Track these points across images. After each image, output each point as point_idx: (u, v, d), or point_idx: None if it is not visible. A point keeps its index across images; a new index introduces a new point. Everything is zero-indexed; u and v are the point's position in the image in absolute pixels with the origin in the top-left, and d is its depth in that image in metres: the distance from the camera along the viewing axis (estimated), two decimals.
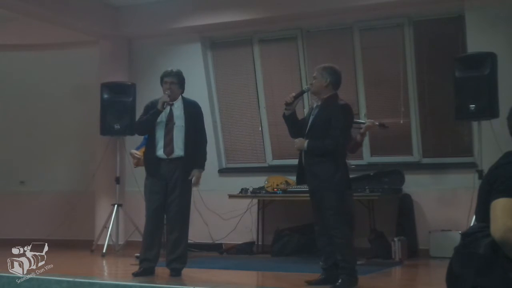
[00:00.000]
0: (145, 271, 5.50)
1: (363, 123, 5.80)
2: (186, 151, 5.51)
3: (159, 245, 5.64)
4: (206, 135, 5.83)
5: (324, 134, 4.92)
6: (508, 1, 6.93)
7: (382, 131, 6.49)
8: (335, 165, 4.91)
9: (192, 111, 5.67)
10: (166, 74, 5.66)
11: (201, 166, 5.64)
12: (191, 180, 5.57)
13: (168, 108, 5.59)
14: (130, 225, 7.87)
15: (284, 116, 5.18)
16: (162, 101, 5.49)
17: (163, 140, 5.53)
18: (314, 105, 5.16)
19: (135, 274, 5.49)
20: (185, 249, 5.64)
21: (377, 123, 5.88)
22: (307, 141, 4.99)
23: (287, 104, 5.09)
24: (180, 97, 5.71)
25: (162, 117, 5.56)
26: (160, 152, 5.54)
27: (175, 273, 5.50)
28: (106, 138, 8.06)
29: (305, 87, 5.24)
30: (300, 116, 5.42)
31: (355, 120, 5.93)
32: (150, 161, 5.64)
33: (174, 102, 5.62)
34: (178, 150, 5.51)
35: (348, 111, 5.08)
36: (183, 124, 5.55)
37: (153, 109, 5.56)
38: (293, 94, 5.12)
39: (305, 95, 6.05)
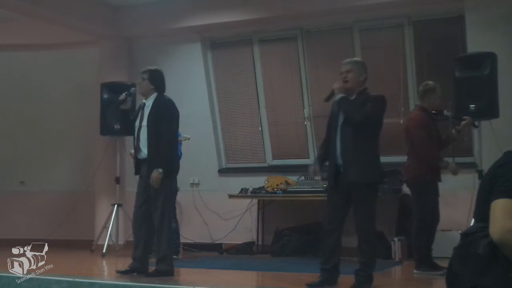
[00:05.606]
0: (131, 270, 5.50)
1: (462, 120, 5.78)
2: (149, 151, 5.44)
3: (145, 245, 5.52)
4: (171, 135, 5.54)
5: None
6: (508, 1, 6.93)
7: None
8: (375, 159, 4.74)
9: (157, 109, 5.49)
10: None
11: (159, 166, 5.35)
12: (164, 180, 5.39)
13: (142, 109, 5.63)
14: (130, 225, 7.78)
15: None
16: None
17: (135, 141, 5.59)
18: (337, 98, 4.84)
19: (119, 272, 5.53)
20: (168, 250, 5.46)
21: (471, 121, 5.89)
22: (341, 95, 4.74)
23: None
24: (155, 95, 5.57)
25: (139, 117, 5.59)
26: (136, 152, 5.61)
27: (158, 274, 5.36)
28: (106, 138, 8.07)
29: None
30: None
31: (452, 113, 5.92)
32: (134, 161, 5.69)
33: (145, 102, 5.59)
34: (144, 150, 5.48)
35: (384, 101, 4.84)
36: (146, 124, 5.48)
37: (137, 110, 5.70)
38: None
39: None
